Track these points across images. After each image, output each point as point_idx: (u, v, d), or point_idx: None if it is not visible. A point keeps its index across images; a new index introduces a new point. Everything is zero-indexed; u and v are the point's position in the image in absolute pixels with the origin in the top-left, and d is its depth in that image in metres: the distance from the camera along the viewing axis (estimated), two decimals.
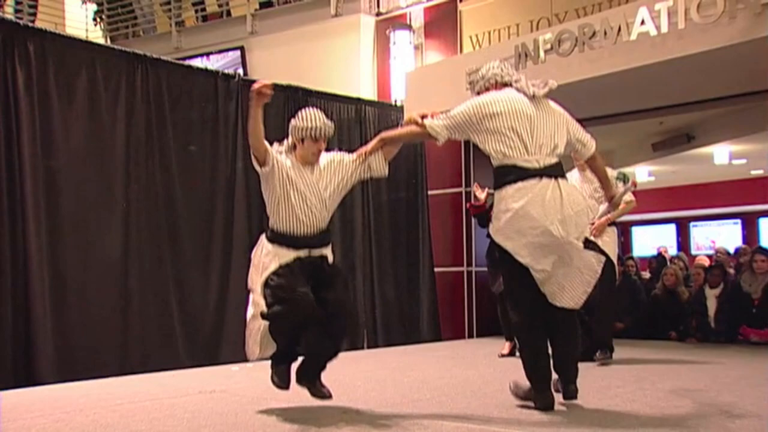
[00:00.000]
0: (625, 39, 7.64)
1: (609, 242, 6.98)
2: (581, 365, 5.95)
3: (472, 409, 4.75)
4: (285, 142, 4.84)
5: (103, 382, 6.38)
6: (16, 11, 12.05)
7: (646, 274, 11.72)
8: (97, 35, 13.24)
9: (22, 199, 6.58)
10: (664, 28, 7.36)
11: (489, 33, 10.25)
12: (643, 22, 7.50)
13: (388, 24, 10.91)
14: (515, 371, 6.45)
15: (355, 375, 6.70)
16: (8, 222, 6.51)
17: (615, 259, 7.08)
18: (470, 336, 10.13)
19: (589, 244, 6.80)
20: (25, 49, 6.75)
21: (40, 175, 6.75)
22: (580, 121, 9.55)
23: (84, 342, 6.86)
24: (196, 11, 13.03)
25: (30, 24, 8.08)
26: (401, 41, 10.70)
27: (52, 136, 6.91)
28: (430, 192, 10.23)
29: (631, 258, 11.28)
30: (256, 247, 4.91)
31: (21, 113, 6.65)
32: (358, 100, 9.91)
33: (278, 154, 4.76)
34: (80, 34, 12.02)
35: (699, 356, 7.57)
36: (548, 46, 8.18)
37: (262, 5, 12.19)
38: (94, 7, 13.77)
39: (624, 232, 19.02)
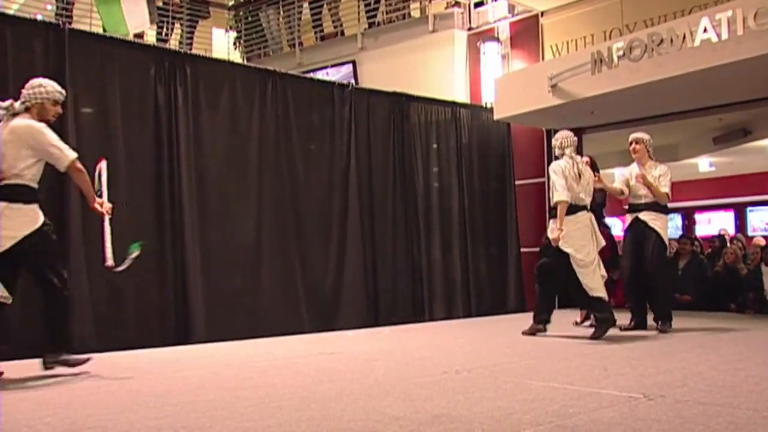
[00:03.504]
0: (690, 45, 7.42)
1: (661, 226, 6.90)
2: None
3: (556, 370, 4.67)
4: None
5: (241, 343, 6.56)
6: (180, 43, 12.54)
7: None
8: (236, 56, 13.59)
9: (179, 192, 6.84)
10: (725, 35, 7.15)
11: (567, 42, 10.06)
12: (705, 30, 7.30)
13: (479, 37, 10.83)
14: (585, 340, 6.34)
15: (452, 340, 6.70)
16: (169, 210, 6.78)
17: (666, 240, 6.97)
18: None
19: (648, 230, 6.77)
20: (184, 71, 7.02)
21: (193, 173, 6.99)
22: (648, 118, 9.35)
23: (227, 309, 7.05)
24: (315, 32, 13.18)
25: (188, 51, 8.36)
26: (490, 51, 10.62)
27: (202, 139, 7.14)
28: (516, 182, 10.10)
29: (696, 239, 10.91)
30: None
31: (179, 123, 6.91)
32: (453, 103, 9.83)
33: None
34: (224, 56, 12.36)
35: (756, 325, 7.31)
36: (621, 52, 7.97)
37: (371, 25, 12.23)
38: (234, 34, 14.16)
39: (688, 216, 18.49)
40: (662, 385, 4.04)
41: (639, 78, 7.83)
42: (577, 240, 6.31)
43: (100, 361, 5.29)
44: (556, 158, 6.56)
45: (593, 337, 6.20)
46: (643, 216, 6.93)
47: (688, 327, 6.96)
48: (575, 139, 6.57)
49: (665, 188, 6.88)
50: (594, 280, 6.29)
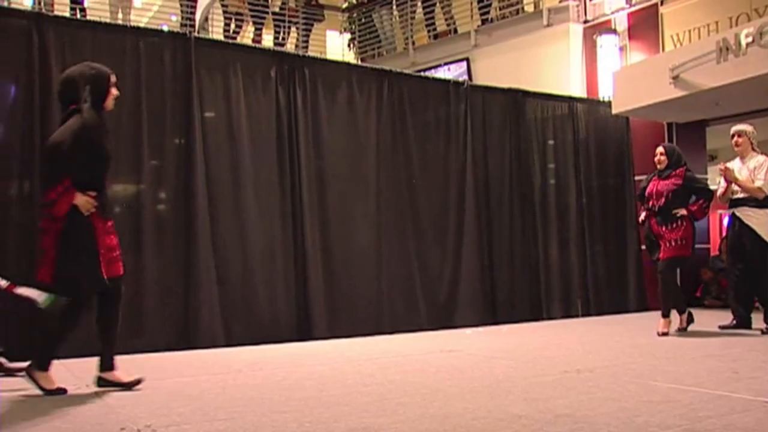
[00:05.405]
0: None
1: (758, 222, 6.58)
2: None
3: (683, 371, 4.50)
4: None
5: (361, 340, 6.65)
6: (296, 46, 12.89)
7: None
8: (351, 57, 13.81)
9: (300, 191, 7.01)
10: None
11: (689, 31, 9.65)
12: None
13: (595, 30, 10.55)
14: (710, 340, 6.07)
15: (572, 340, 6.57)
16: (291, 209, 6.96)
17: (766, 236, 6.56)
18: None
19: (743, 228, 6.52)
20: (303, 73, 7.20)
21: (313, 173, 7.15)
22: None
23: (347, 306, 7.17)
24: (429, 31, 13.21)
25: (304, 54, 8.60)
26: (607, 44, 10.33)
27: (320, 139, 7.28)
28: (636, 177, 9.78)
29: None
30: None
31: (299, 123, 7.08)
32: (570, 98, 9.63)
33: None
34: (338, 57, 12.60)
35: None
36: (749, 39, 7.58)
37: (484, 22, 12.15)
38: (348, 35, 14.40)
39: None
40: None
41: None
42: None
43: (227, 356, 5.51)
44: None
45: None
46: (739, 212, 6.71)
47: None
48: None
49: (759, 182, 6.56)
50: None
